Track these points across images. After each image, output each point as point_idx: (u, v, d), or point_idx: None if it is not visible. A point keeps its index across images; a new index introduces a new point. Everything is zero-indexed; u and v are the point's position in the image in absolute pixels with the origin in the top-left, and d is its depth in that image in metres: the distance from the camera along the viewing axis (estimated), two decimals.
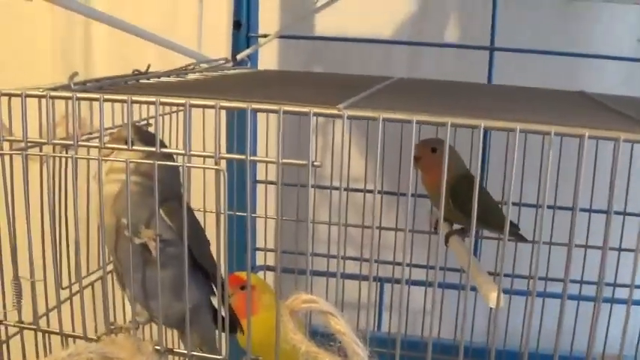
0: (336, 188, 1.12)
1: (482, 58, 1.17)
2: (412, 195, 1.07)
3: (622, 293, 1.06)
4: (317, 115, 0.58)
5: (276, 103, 0.59)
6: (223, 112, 0.61)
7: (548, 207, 1.03)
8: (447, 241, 0.98)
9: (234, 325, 0.79)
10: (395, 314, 1.08)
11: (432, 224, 1.02)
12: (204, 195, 0.99)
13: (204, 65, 0.96)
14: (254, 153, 1.11)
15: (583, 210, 1.03)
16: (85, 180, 0.83)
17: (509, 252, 1.02)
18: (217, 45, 1.23)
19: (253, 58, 1.17)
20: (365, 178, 1.05)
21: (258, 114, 1.15)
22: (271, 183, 1.16)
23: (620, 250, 1.06)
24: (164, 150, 0.63)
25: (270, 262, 1.19)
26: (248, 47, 1.15)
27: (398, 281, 1.10)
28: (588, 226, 1.05)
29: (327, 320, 0.57)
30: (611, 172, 0.57)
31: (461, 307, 1.07)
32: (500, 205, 1.02)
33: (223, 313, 0.69)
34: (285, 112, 0.58)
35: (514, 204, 1.06)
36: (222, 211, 0.62)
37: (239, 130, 1.05)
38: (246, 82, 0.86)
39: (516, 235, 1.02)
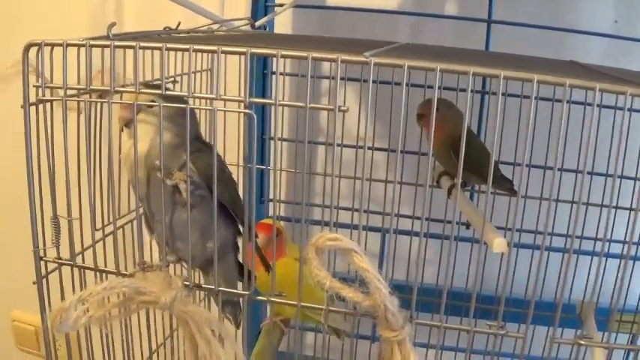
0: (340, 145, 1.09)
1: (480, 30, 1.13)
2: (415, 153, 1.06)
3: (616, 248, 1.03)
4: (344, 61, 0.55)
5: (305, 51, 0.55)
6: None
7: (532, 166, 1.01)
8: (449, 194, 0.94)
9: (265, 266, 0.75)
10: (400, 264, 1.06)
11: (434, 179, 0.99)
12: (224, 146, 0.96)
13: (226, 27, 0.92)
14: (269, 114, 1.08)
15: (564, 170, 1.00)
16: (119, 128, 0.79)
17: (504, 206, 0.99)
18: (238, 13, 1.19)
19: (270, 26, 1.13)
20: (371, 138, 1.02)
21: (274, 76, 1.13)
22: (285, 140, 1.13)
23: (616, 208, 1.02)
24: (195, 95, 0.59)
25: (282, 213, 1.16)
26: (266, 15, 1.11)
27: (402, 232, 1.07)
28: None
29: (351, 257, 0.54)
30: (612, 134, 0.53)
31: (474, 256, 1.06)
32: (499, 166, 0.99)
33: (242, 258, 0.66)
34: (314, 59, 0.54)
35: (509, 163, 1.02)
36: (254, 155, 0.59)
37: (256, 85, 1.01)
38: (269, 39, 0.81)
39: (510, 189, 0.98)
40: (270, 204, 1.16)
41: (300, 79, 1.00)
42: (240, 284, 0.73)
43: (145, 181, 0.67)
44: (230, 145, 0.95)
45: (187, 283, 0.63)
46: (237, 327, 0.71)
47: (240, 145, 1.06)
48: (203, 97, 0.60)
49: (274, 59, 1.12)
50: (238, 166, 1.02)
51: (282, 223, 1.12)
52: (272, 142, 1.12)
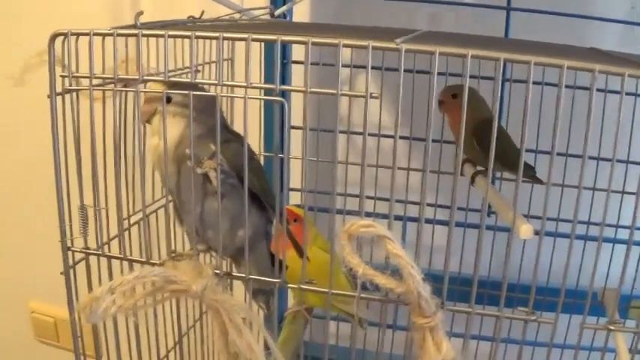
0: (360, 133, 1.08)
1: (498, 17, 1.13)
2: (437, 141, 1.06)
3: (624, 234, 1.03)
4: (375, 48, 0.54)
5: (335, 38, 0.55)
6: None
7: (560, 154, 1.01)
8: (472, 181, 0.94)
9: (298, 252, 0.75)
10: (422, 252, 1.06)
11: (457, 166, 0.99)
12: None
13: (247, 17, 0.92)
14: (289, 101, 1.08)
15: (592, 158, 1.00)
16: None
17: (526, 193, 0.99)
18: (257, 2, 1.19)
19: (289, 14, 1.14)
20: (393, 127, 1.02)
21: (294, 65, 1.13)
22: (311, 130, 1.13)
23: (623, 193, 1.02)
24: (226, 83, 0.59)
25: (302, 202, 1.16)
26: (285, 4, 1.11)
27: (425, 221, 1.07)
28: (596, 172, 1.02)
29: (384, 244, 0.54)
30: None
31: (496, 244, 1.06)
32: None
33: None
34: (345, 46, 0.54)
35: (531, 150, 1.02)
36: (286, 143, 0.59)
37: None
38: (291, 27, 0.81)
39: (533, 177, 0.98)
40: (291, 193, 1.17)
41: (320, 67, 1.01)
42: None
43: (175, 172, 0.67)
44: (250, 134, 0.95)
45: (218, 271, 0.63)
46: (270, 315, 0.71)
47: (260, 134, 1.07)
48: (234, 85, 0.60)
49: (293, 48, 1.12)
50: (260, 154, 1.03)
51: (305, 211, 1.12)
52: (289, 131, 1.13)
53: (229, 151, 0.66)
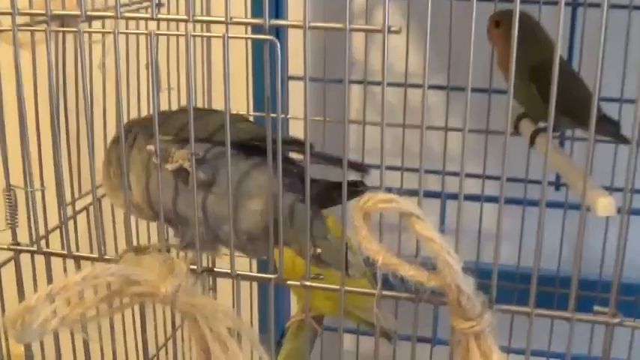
0: (378, 83, 1.10)
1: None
2: (483, 90, 1.07)
3: None
4: None
5: None
6: None
7: None
8: (532, 143, 0.95)
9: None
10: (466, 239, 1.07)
11: (511, 123, 1.00)
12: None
13: None
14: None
15: None
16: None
17: (608, 158, 1.00)
18: None
19: None
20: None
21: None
22: (313, 80, 1.14)
23: None
24: (200, 18, 0.60)
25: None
26: None
27: (469, 197, 1.08)
28: None
29: (411, 224, 0.56)
30: None
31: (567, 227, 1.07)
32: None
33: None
34: None
35: (612, 99, 1.03)
36: (281, 99, 0.60)
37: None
38: None
39: (616, 135, 0.98)
40: None
41: None
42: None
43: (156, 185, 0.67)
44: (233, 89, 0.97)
45: (194, 267, 0.65)
46: None
47: (247, 89, 1.09)
48: (211, 21, 0.61)
49: None
50: (248, 115, 1.05)
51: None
52: (286, 83, 1.14)
53: (177, 122, 0.68)
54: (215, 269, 0.66)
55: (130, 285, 0.60)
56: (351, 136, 1.16)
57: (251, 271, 0.79)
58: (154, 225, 0.93)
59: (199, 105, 0.92)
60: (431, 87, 1.04)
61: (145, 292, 0.60)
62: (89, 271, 0.58)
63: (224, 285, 0.80)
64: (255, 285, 1.11)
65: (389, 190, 0.58)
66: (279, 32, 1.05)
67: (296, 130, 1.14)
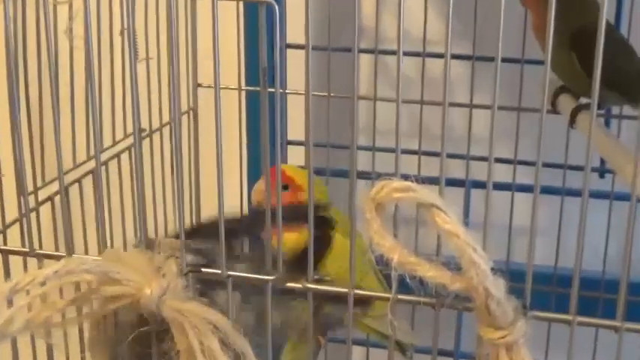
0: (392, 52, 1.10)
1: None
2: (515, 60, 1.07)
3: None
4: None
5: None
6: None
7: None
8: (572, 122, 0.95)
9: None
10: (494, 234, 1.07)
11: (549, 99, 1.00)
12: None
13: None
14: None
15: None
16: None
17: None
18: None
19: None
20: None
21: None
22: (317, 49, 1.15)
23: None
24: None
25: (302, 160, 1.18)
26: None
27: (499, 186, 1.08)
28: None
29: (431, 216, 0.56)
30: None
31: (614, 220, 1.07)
32: None
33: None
34: None
35: None
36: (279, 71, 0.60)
37: None
38: None
39: None
40: (289, 148, 1.18)
41: None
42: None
43: None
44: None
45: (187, 267, 0.65)
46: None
47: (239, 59, 1.09)
48: None
49: None
50: (240, 90, 1.05)
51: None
52: (285, 52, 1.14)
53: None
54: (203, 269, 0.66)
55: (108, 284, 0.59)
56: (360, 115, 1.16)
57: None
58: (129, 218, 0.94)
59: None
60: (454, 57, 1.04)
61: (126, 293, 0.59)
62: (62, 265, 0.57)
63: None
64: None
65: (405, 177, 0.58)
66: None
67: (295, 108, 1.14)
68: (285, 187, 0.91)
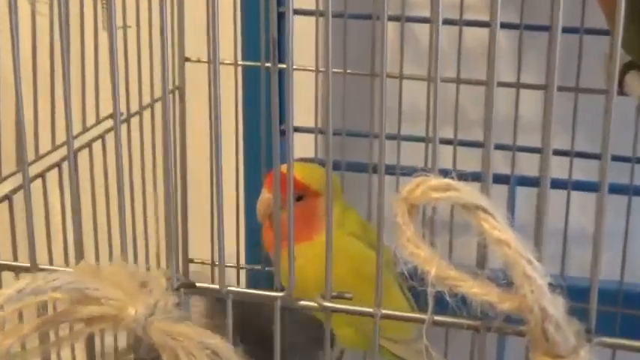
0: (425, 20, 1.10)
1: None
2: (573, 30, 1.07)
3: None
4: None
5: None
6: None
7: None
8: None
9: None
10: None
11: (612, 77, 1.00)
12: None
13: None
14: None
15: None
16: None
17: None
18: None
19: None
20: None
21: None
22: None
23: None
24: None
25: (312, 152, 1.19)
26: None
27: (556, 184, 1.09)
28: None
29: (477, 221, 0.56)
30: None
31: None
32: None
33: None
34: None
35: None
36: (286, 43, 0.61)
37: None
38: None
39: None
40: (296, 136, 1.19)
41: None
42: None
43: None
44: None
45: (177, 281, 0.66)
46: None
47: (235, 31, 1.09)
48: None
49: None
50: (236, 66, 1.05)
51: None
52: (292, 20, 1.15)
53: None
54: (197, 285, 0.67)
55: (85, 303, 0.60)
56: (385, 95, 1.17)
57: (245, 286, 0.79)
58: (103, 222, 0.94)
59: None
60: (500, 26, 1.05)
61: (106, 314, 0.59)
62: (26, 282, 0.58)
63: None
64: None
65: (444, 173, 0.58)
66: None
67: (303, 87, 1.14)
68: (299, 198, 0.91)
